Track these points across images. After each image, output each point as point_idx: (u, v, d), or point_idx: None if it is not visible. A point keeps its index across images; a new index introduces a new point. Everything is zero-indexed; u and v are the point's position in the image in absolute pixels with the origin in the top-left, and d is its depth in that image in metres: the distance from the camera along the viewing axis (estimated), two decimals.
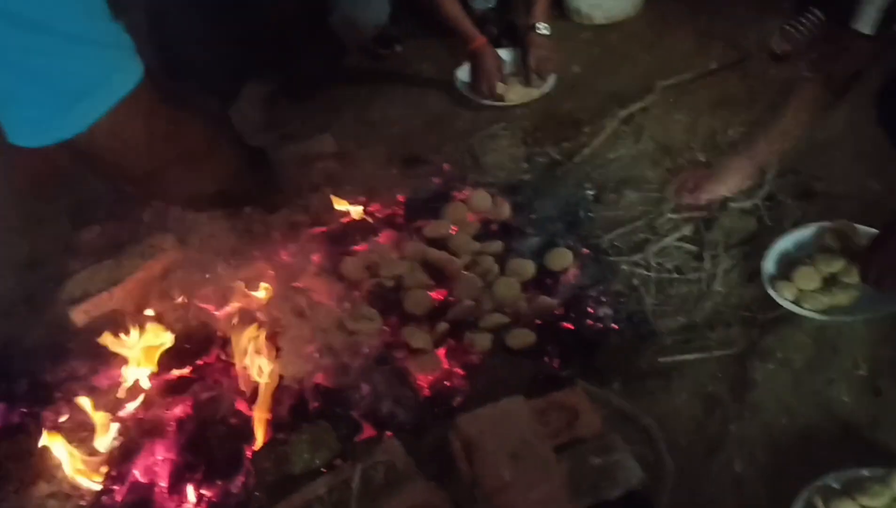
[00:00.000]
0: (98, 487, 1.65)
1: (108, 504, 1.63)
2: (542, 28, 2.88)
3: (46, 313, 2.06)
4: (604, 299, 1.99)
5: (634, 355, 1.86)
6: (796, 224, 2.07)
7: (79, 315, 2.01)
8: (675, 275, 2.06)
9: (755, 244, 2.08)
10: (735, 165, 2.20)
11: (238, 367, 1.81)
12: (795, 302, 1.87)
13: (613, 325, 1.92)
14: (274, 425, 1.69)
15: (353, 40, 3.07)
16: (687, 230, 2.17)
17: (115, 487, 1.64)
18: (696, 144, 2.50)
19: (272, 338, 1.85)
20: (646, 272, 2.06)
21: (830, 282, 1.90)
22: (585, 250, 2.13)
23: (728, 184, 2.20)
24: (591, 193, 2.36)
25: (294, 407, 1.72)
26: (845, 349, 1.79)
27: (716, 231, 2.14)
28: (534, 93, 2.82)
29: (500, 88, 2.84)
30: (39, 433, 1.78)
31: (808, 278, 1.90)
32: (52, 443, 1.73)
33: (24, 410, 1.85)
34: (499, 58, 2.84)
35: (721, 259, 2.07)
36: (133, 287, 2.05)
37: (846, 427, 1.64)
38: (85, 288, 2.03)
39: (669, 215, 2.22)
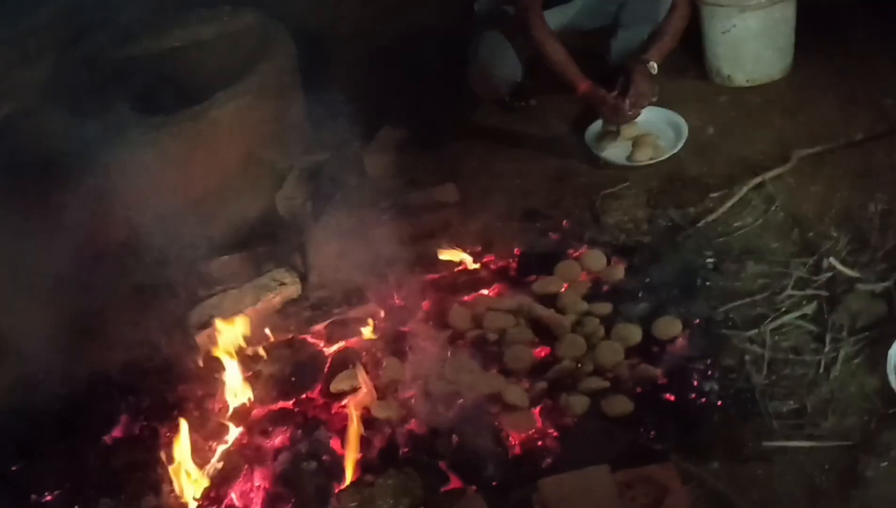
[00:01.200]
0: (195, 505, 1.75)
1: None
2: (652, 67, 2.82)
3: (175, 336, 2.21)
4: (711, 373, 1.92)
5: (738, 435, 1.79)
6: None
7: (203, 340, 2.15)
8: (791, 355, 1.96)
9: (883, 331, 1.95)
10: None
11: (337, 406, 1.88)
12: None
13: (718, 401, 1.86)
14: (363, 465, 1.74)
15: (488, 93, 3.14)
16: (809, 309, 2.07)
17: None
18: (830, 219, 2.38)
19: (372, 380, 1.91)
20: (759, 350, 1.98)
21: None
22: (697, 321, 2.07)
23: None
24: (710, 261, 2.29)
25: (384, 450, 1.76)
26: None
27: (841, 313, 2.02)
28: (662, 153, 2.78)
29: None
30: (156, 448, 1.91)
31: None
32: (165, 459, 1.85)
33: (145, 424, 1.99)
34: (609, 95, 2.72)
35: (844, 343, 1.96)
36: (253, 317, 2.18)
37: None
38: (210, 315, 2.18)
39: (791, 291, 2.12)
